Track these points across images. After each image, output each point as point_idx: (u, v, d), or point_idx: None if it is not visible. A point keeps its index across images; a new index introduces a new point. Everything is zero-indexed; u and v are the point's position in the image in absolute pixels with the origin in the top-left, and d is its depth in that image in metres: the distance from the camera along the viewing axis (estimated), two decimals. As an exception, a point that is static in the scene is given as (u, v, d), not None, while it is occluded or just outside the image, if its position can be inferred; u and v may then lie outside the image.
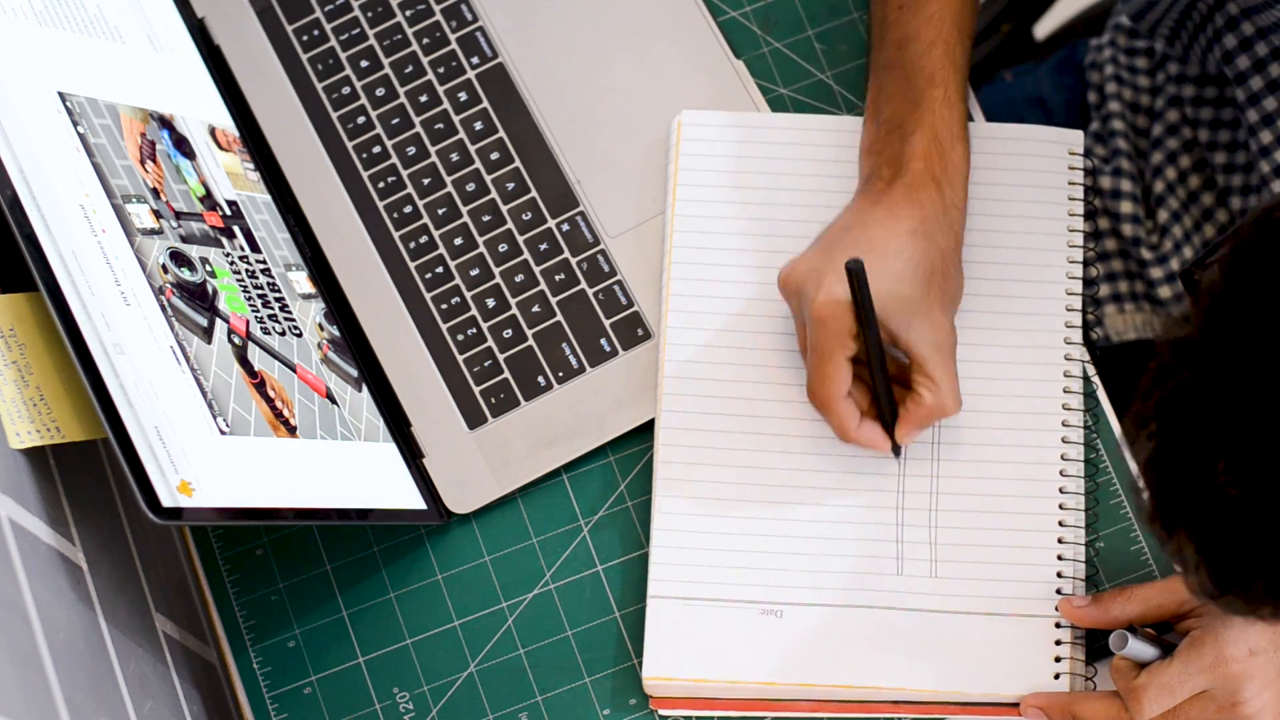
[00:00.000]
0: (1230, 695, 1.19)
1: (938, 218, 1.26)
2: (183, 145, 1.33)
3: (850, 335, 1.22)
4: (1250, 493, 0.92)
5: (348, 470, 1.28)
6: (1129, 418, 0.98)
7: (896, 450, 1.28)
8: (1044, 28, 1.83)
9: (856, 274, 1.19)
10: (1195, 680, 1.19)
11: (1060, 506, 1.28)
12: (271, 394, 1.25)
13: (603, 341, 1.35)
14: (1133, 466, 0.99)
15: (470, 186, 1.38)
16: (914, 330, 1.23)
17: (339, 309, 1.37)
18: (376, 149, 1.39)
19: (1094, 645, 1.27)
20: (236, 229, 1.33)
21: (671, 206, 1.34)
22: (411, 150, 1.39)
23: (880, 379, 1.24)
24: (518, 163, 1.38)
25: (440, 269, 1.37)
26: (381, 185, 1.39)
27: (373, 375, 1.35)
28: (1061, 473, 1.29)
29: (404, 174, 1.38)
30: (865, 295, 1.20)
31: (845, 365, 1.23)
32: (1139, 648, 1.20)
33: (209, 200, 1.32)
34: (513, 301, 1.36)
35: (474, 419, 1.34)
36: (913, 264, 1.24)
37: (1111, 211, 1.50)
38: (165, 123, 1.33)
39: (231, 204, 1.34)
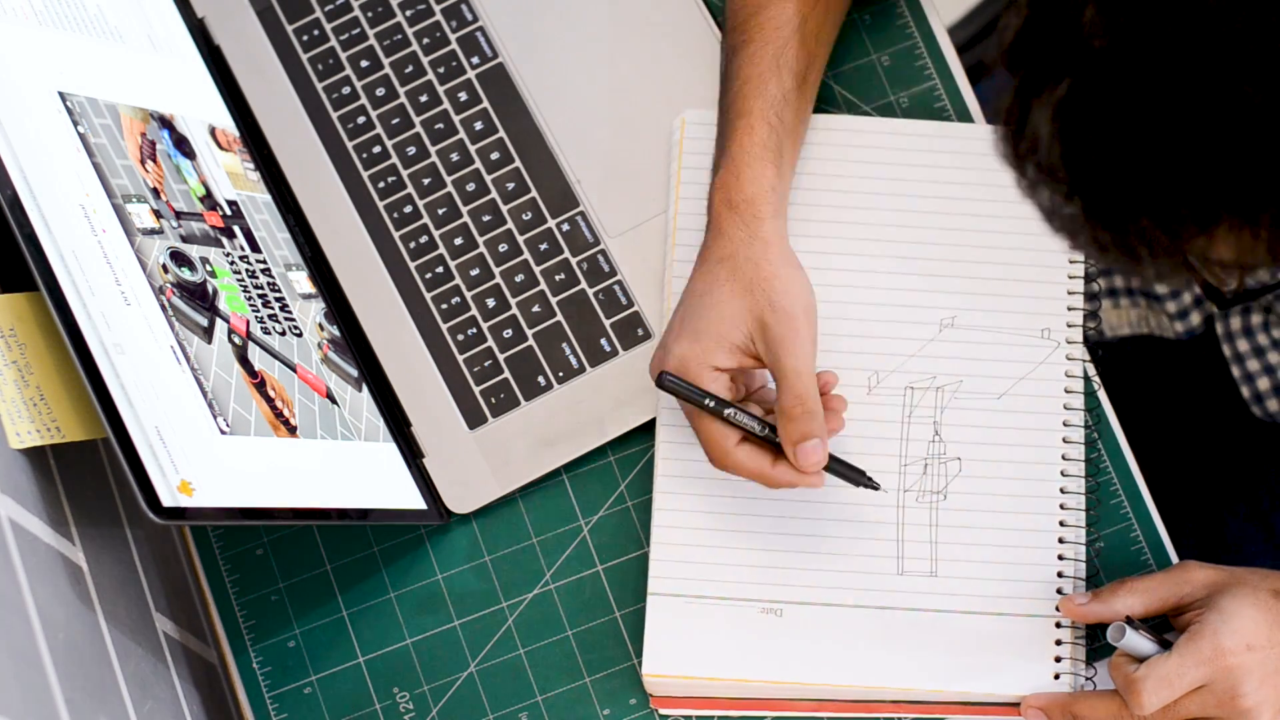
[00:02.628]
0: (1229, 689, 1.19)
1: (740, 235, 1.25)
2: (183, 145, 1.33)
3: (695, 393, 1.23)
4: (1118, 41, 0.87)
5: (348, 470, 1.28)
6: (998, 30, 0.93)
7: (831, 465, 1.24)
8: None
9: (663, 385, 1.22)
10: (1193, 673, 1.19)
11: (1061, 506, 1.28)
12: (272, 394, 1.25)
13: (603, 341, 1.35)
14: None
15: (470, 186, 1.38)
16: (757, 342, 1.23)
17: (339, 309, 1.37)
18: (376, 149, 1.39)
19: (1094, 645, 1.27)
20: (237, 229, 1.33)
21: (674, 205, 1.34)
22: (411, 150, 1.39)
23: (759, 431, 1.23)
24: (518, 163, 1.38)
25: (440, 269, 1.37)
26: (381, 185, 1.39)
27: (373, 375, 1.35)
28: (1062, 472, 1.29)
29: (404, 174, 1.38)
30: (688, 391, 1.22)
31: (710, 422, 1.23)
32: (1136, 640, 1.20)
33: (209, 200, 1.32)
34: (513, 301, 1.36)
35: (474, 419, 1.34)
36: (726, 286, 1.24)
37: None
38: (165, 122, 1.33)
39: (232, 204, 1.34)
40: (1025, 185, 0.94)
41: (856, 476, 1.25)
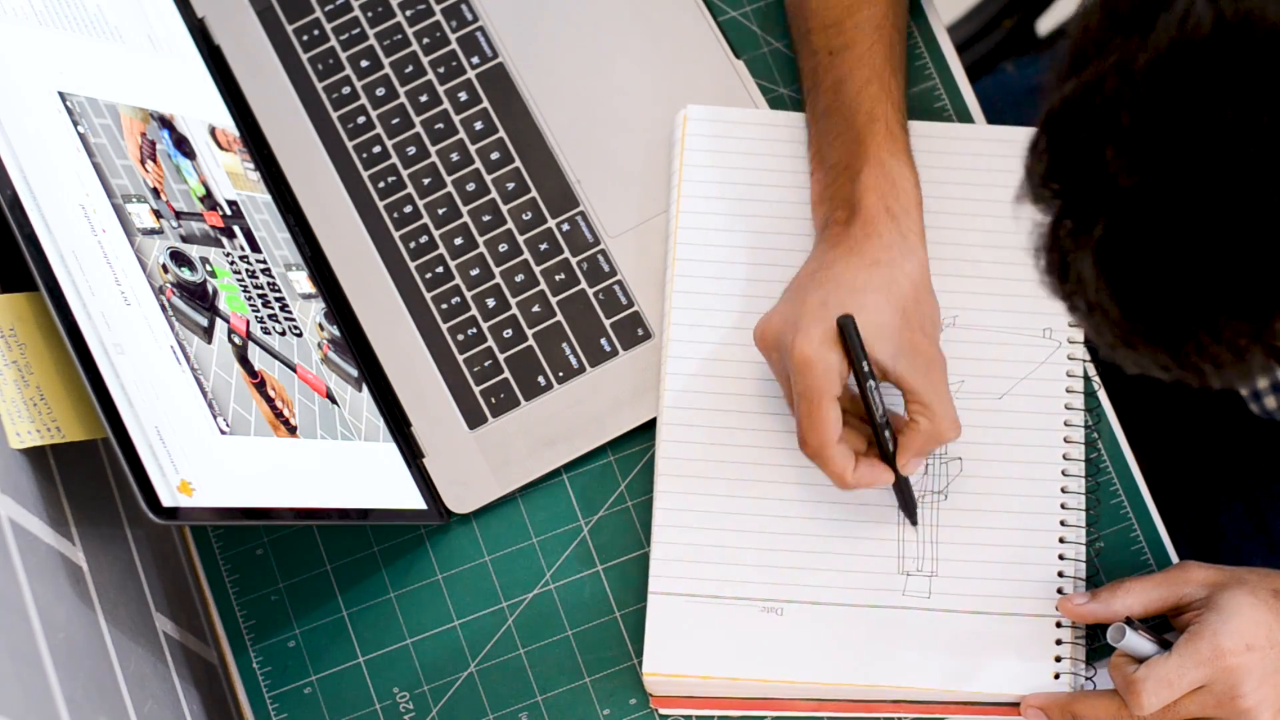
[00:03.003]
0: (1229, 690, 1.19)
1: (898, 245, 1.26)
2: (183, 145, 1.33)
3: (836, 374, 1.21)
4: (1145, 176, 0.89)
5: (348, 470, 1.28)
6: (1027, 161, 0.94)
7: (906, 496, 1.27)
8: (1047, 23, 1.83)
9: (846, 328, 1.19)
10: (1193, 673, 1.19)
11: (1061, 506, 1.28)
12: (272, 394, 1.25)
13: (603, 341, 1.35)
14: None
15: (470, 186, 1.38)
16: (900, 360, 1.23)
17: (339, 309, 1.37)
18: (376, 149, 1.39)
19: (1094, 645, 1.27)
20: (237, 229, 1.33)
21: (675, 203, 1.34)
22: (411, 150, 1.39)
23: (881, 425, 1.23)
24: (518, 163, 1.38)
25: (440, 269, 1.37)
26: (381, 185, 1.39)
27: (373, 375, 1.35)
28: (1063, 472, 1.29)
29: (404, 174, 1.38)
30: (859, 347, 1.20)
31: (834, 408, 1.22)
32: (1136, 641, 1.20)
33: (209, 200, 1.32)
34: (513, 301, 1.36)
35: (474, 419, 1.34)
36: (883, 292, 1.24)
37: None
38: (165, 122, 1.33)
39: (232, 204, 1.34)
40: (1078, 318, 0.96)
41: (912, 507, 1.27)
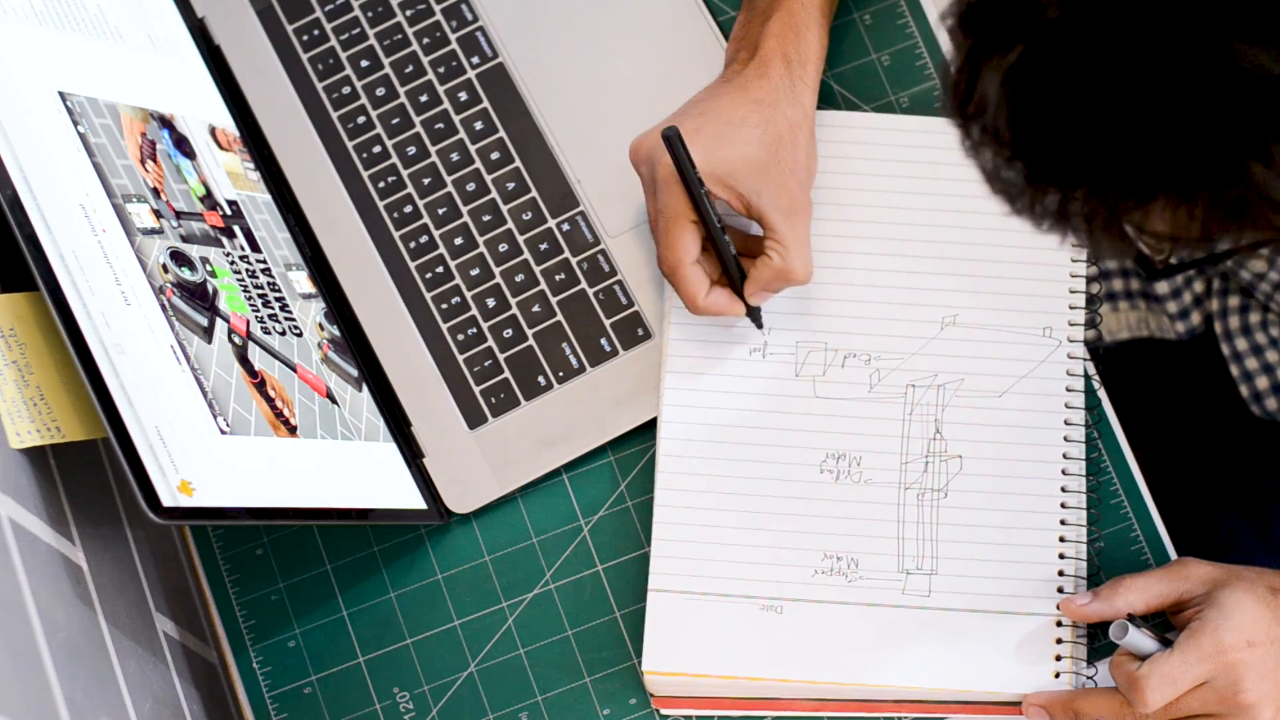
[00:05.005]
0: (1231, 685, 1.19)
1: (785, 90, 1.29)
2: (183, 145, 1.33)
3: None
4: (1072, 13, 0.88)
5: (348, 470, 1.28)
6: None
7: (754, 315, 1.30)
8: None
9: (672, 140, 1.23)
10: (1195, 670, 1.19)
11: (1062, 505, 1.28)
12: (272, 393, 1.25)
13: (603, 341, 1.35)
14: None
15: (470, 186, 1.38)
16: (764, 195, 1.26)
17: (339, 309, 1.37)
18: (376, 149, 1.39)
19: (1094, 645, 1.27)
20: (237, 229, 1.33)
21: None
22: (411, 150, 1.39)
23: (720, 239, 1.26)
24: (518, 163, 1.38)
25: (440, 269, 1.37)
26: (381, 185, 1.39)
27: (373, 375, 1.35)
28: (1063, 471, 1.29)
29: (404, 174, 1.38)
30: (686, 159, 1.23)
31: (691, 229, 1.26)
32: (1138, 638, 1.20)
33: (209, 200, 1.32)
34: (513, 301, 1.36)
35: (474, 419, 1.34)
36: (759, 129, 1.27)
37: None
38: (165, 122, 1.33)
39: (232, 204, 1.34)
40: (969, 145, 0.96)
41: (757, 318, 1.30)
